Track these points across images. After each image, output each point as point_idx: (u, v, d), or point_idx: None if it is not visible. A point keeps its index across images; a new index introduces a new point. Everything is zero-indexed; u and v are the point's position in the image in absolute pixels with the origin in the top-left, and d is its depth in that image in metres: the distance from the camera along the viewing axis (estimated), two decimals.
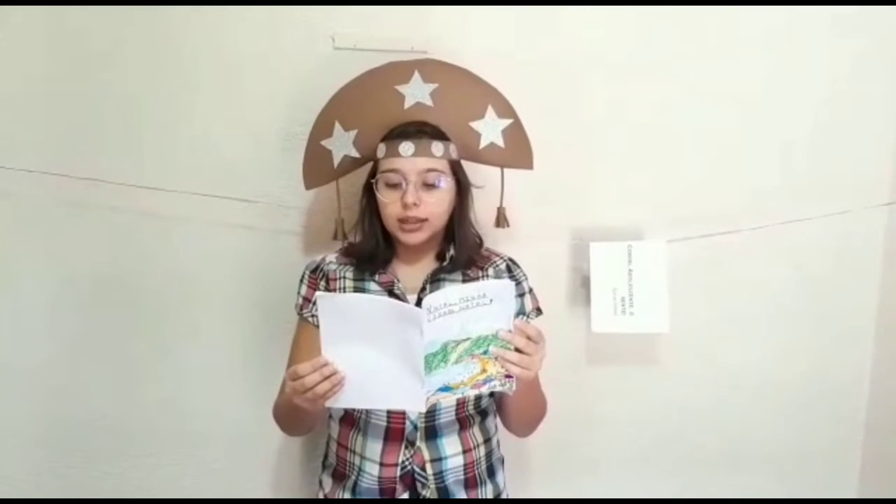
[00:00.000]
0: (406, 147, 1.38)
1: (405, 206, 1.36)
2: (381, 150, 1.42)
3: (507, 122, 1.55)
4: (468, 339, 1.17)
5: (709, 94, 1.73)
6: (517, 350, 1.20)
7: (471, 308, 1.15)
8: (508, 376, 1.22)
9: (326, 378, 1.16)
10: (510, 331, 1.19)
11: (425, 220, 1.39)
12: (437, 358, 1.16)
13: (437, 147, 1.40)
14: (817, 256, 1.80)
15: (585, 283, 1.70)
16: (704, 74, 1.72)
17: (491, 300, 1.16)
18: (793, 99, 1.74)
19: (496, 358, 1.20)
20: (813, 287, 1.81)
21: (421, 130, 1.42)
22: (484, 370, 1.20)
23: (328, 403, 1.20)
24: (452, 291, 1.14)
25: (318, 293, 1.17)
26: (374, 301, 1.17)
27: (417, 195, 1.37)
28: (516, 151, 1.57)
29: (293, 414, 1.37)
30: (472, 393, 1.22)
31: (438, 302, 1.12)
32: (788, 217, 1.70)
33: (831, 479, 1.89)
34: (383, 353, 1.15)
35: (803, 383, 1.84)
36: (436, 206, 1.40)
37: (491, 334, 1.18)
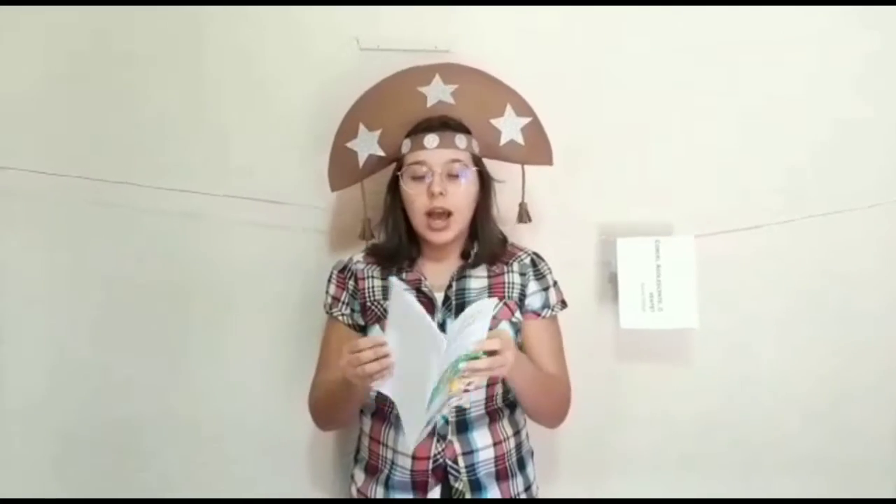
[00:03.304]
0: (431, 139, 1.42)
1: (431, 196, 1.40)
2: (406, 145, 1.46)
3: (527, 120, 1.59)
4: (448, 365, 1.17)
5: (737, 89, 1.73)
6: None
7: (461, 330, 1.18)
8: (466, 390, 1.21)
9: (378, 359, 1.20)
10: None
11: (451, 213, 1.42)
12: (435, 392, 1.18)
13: (461, 139, 1.44)
14: (848, 251, 1.77)
15: (613, 278, 1.71)
16: (732, 69, 1.72)
17: (474, 319, 1.19)
18: (823, 91, 1.73)
19: (462, 375, 1.18)
20: (844, 282, 1.79)
21: (445, 124, 1.46)
22: (450, 391, 1.19)
23: (374, 384, 1.24)
24: (456, 323, 1.19)
25: (394, 279, 1.22)
26: (426, 322, 1.18)
27: (443, 185, 1.40)
28: (536, 148, 1.60)
29: (333, 404, 1.43)
30: (437, 418, 1.25)
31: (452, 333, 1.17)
32: (818, 211, 1.69)
33: (864, 480, 1.84)
34: (415, 370, 1.19)
35: (837, 381, 1.81)
36: (462, 196, 1.43)
37: (463, 353, 1.17)
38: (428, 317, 1.20)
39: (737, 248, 1.71)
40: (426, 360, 1.17)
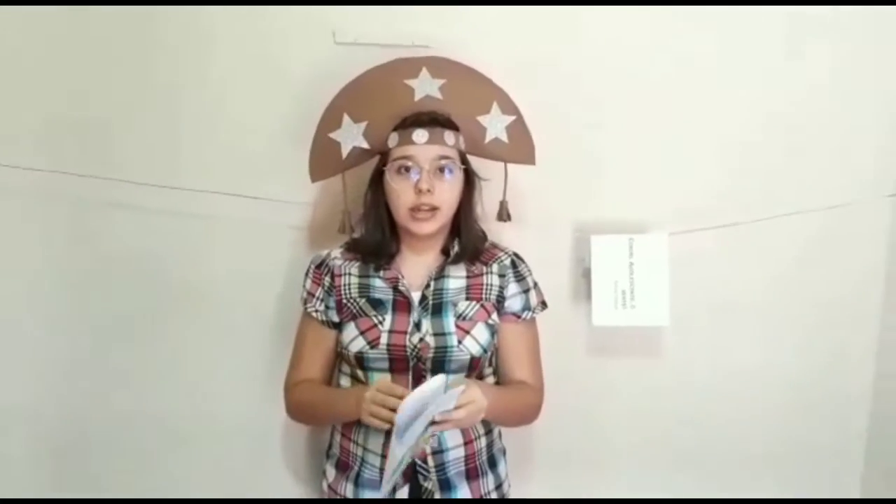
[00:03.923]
0: (420, 135, 1.40)
1: (419, 193, 1.38)
2: (394, 139, 1.43)
3: (511, 118, 1.57)
4: (421, 430, 1.22)
5: (710, 88, 1.72)
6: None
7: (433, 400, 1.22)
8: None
9: (391, 411, 1.24)
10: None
11: (437, 208, 1.40)
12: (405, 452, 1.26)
13: (450, 136, 1.43)
14: (821, 249, 1.79)
15: (587, 275, 1.71)
16: (705, 68, 1.71)
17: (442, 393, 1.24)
18: (793, 91, 1.73)
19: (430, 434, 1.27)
20: (816, 280, 1.80)
21: (434, 119, 1.44)
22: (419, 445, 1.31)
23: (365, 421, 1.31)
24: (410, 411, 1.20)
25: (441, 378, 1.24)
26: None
27: (431, 182, 1.39)
28: (519, 147, 1.58)
29: (321, 417, 1.55)
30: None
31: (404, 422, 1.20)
32: (791, 209, 1.70)
33: (834, 475, 1.89)
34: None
35: (806, 377, 1.83)
36: (448, 193, 1.42)
37: (431, 419, 1.23)
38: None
39: (710, 246, 1.72)
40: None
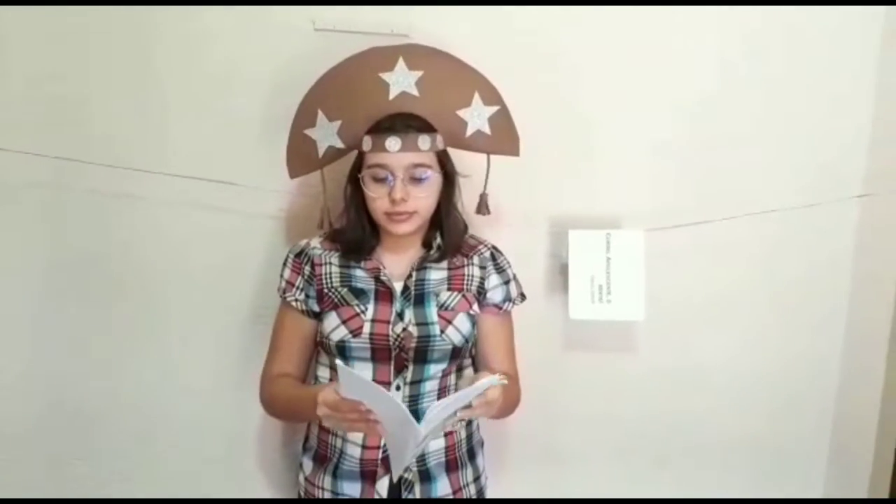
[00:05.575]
0: (393, 142, 1.36)
1: (393, 202, 1.36)
2: (367, 143, 1.39)
3: (494, 108, 1.54)
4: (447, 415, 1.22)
5: (686, 86, 1.74)
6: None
7: (459, 402, 1.21)
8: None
9: (364, 418, 1.19)
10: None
11: (414, 212, 1.39)
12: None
13: (424, 140, 1.39)
14: (791, 247, 1.82)
15: (564, 270, 1.72)
16: (683, 65, 1.74)
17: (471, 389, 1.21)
18: (767, 91, 1.76)
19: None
20: (786, 278, 1.84)
21: (407, 124, 1.40)
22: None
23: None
24: (451, 402, 1.18)
25: (340, 366, 1.14)
26: (387, 397, 1.16)
27: (405, 190, 1.36)
28: (503, 138, 1.55)
29: (294, 415, 1.53)
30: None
31: (435, 415, 1.16)
32: (763, 208, 1.74)
33: (801, 469, 1.93)
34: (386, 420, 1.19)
35: (775, 373, 1.87)
36: (424, 199, 1.40)
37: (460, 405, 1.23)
38: (390, 396, 1.18)
39: (686, 243, 1.75)
40: (398, 418, 1.16)
